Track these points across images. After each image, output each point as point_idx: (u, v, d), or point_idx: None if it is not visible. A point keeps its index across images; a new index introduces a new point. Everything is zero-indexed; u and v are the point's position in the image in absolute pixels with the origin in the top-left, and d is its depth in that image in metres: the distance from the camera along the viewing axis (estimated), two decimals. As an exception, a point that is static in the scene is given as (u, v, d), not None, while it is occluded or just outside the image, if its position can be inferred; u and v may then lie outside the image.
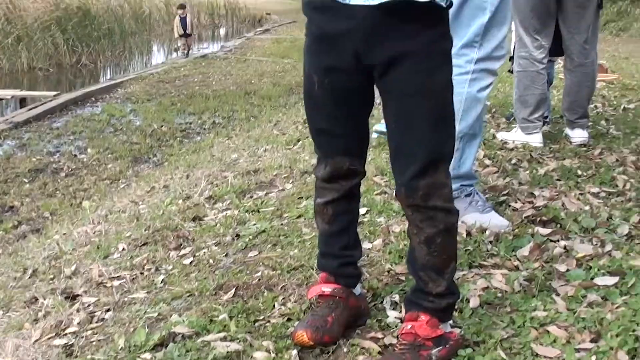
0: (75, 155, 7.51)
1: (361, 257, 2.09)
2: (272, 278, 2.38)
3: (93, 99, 11.12)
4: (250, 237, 2.87)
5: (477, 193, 2.91)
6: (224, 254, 2.74)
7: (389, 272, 2.35)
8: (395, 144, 1.81)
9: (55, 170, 6.93)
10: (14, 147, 8.02)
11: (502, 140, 4.49)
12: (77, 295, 2.56)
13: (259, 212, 3.25)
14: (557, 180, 3.47)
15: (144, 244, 3.10)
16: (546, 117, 4.86)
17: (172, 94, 11.24)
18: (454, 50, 2.86)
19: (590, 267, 2.29)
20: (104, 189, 6.02)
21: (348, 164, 1.91)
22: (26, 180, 6.59)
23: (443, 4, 1.73)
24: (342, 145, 1.90)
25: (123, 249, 3.09)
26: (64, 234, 3.88)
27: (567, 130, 4.57)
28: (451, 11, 2.87)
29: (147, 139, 8.05)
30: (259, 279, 2.40)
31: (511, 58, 4.72)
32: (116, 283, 2.61)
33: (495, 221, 2.78)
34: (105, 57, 18.76)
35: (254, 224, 3.03)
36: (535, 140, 4.40)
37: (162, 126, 8.75)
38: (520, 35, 4.51)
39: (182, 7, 18.13)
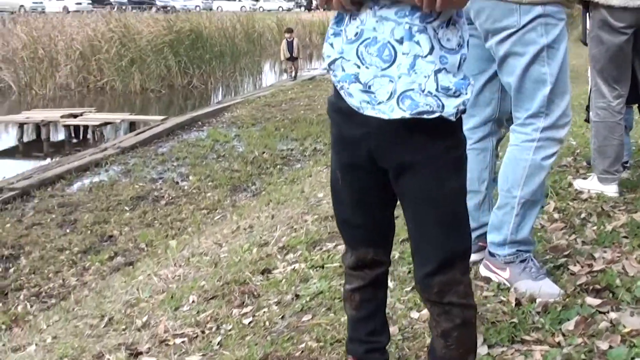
0: (177, 183, 7.60)
1: (388, 343, 2.07)
2: (313, 351, 2.35)
3: (200, 123, 11.26)
4: (308, 298, 2.85)
5: (532, 259, 2.90)
6: (281, 316, 2.72)
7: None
8: (413, 241, 1.90)
9: (156, 199, 7.01)
10: (119, 172, 8.19)
11: (577, 189, 4.34)
12: (140, 354, 2.53)
13: (323, 267, 3.22)
14: (624, 237, 3.31)
15: (212, 297, 3.10)
16: (626, 162, 4.72)
17: (276, 118, 11.27)
18: (520, 121, 2.98)
19: (634, 345, 2.13)
20: (199, 220, 6.04)
21: (372, 255, 1.96)
22: (127, 209, 6.69)
23: (452, 118, 1.76)
24: (365, 237, 1.96)
25: (193, 301, 3.10)
26: (148, 274, 3.89)
27: None
28: (513, 85, 2.99)
29: (247, 167, 8.07)
30: (302, 351, 2.36)
31: (587, 107, 4.58)
32: (178, 341, 2.63)
33: (546, 289, 2.73)
34: (215, 78, 19.13)
35: (315, 283, 3.01)
36: (611, 190, 4.24)
37: (263, 152, 8.76)
38: (598, 85, 4.38)
39: (289, 31, 18.24)
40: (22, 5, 52.13)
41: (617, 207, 3.92)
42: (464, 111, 1.82)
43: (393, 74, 1.75)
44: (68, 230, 6.20)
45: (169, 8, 59.74)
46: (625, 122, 4.59)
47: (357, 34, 1.79)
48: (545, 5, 2.98)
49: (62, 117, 11.97)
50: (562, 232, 3.48)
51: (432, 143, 1.79)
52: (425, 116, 1.73)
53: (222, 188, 7.20)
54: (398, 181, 1.84)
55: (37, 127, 11.98)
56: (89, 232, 6.09)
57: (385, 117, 1.74)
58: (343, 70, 1.82)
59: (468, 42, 1.84)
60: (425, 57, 1.74)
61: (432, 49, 1.74)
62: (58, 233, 6.12)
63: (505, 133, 3.32)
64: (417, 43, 1.74)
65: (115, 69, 17.39)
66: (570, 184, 4.41)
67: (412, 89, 1.73)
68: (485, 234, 3.08)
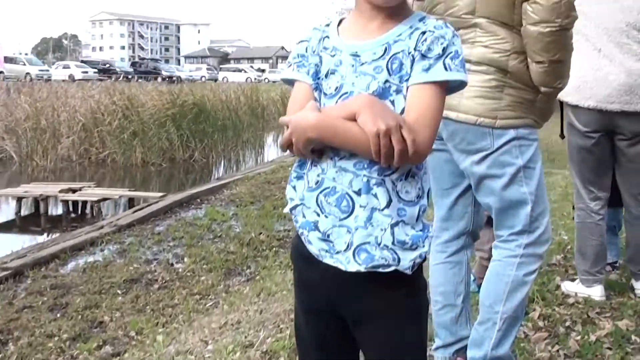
0: (172, 265, 7.53)
1: None
2: None
3: (198, 200, 11.24)
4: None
5: None
6: None
7: None
8: None
9: (150, 282, 6.93)
10: (114, 252, 8.13)
11: (564, 292, 4.35)
12: None
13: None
14: (608, 349, 3.34)
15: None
16: (615, 263, 4.72)
17: (275, 196, 11.24)
18: (502, 237, 3.04)
19: None
20: (191, 307, 5.95)
21: None
22: (120, 292, 6.60)
23: (408, 271, 1.80)
24: None
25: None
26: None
27: (633, 281, 4.40)
28: (494, 206, 3.10)
29: (243, 248, 8.01)
30: None
31: (573, 206, 4.61)
32: None
33: None
34: (217, 152, 19.22)
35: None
36: (596, 293, 4.26)
37: (260, 233, 8.71)
38: (576, 186, 4.43)
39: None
40: (28, 73, 52.88)
41: (602, 312, 3.92)
42: (422, 262, 1.84)
43: (351, 225, 1.79)
44: (58, 315, 6.10)
45: (174, 78, 60.82)
46: (614, 222, 4.59)
47: (317, 182, 1.84)
48: (517, 129, 3.09)
49: (60, 191, 11.99)
50: (545, 342, 3.54)
51: (389, 293, 1.83)
52: (380, 269, 1.78)
53: (217, 271, 7.13)
54: (357, 329, 1.87)
55: (36, 201, 11.99)
56: (79, 317, 5.99)
57: (343, 267, 1.79)
58: (304, 216, 1.87)
59: (429, 192, 1.87)
60: (382, 210, 1.78)
61: (389, 202, 1.78)
62: (48, 317, 6.03)
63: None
64: (375, 196, 1.78)
65: (117, 141, 17.50)
66: (558, 286, 4.38)
67: (369, 242, 1.78)
68: (464, 348, 3.15)
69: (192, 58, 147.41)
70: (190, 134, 18.35)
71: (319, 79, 1.90)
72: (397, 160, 1.70)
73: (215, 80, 64.99)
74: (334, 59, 1.88)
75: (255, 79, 75.77)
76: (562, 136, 4.51)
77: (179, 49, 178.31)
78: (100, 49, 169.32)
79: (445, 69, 1.77)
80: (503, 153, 3.07)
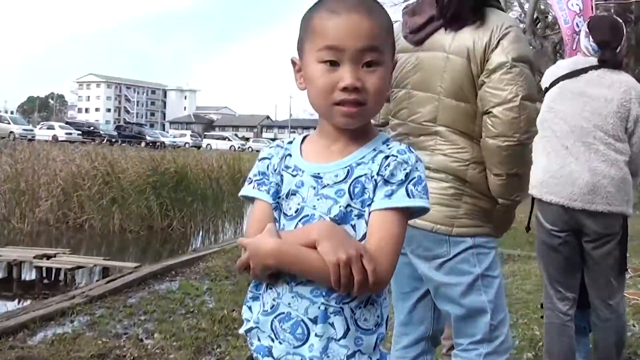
0: (142, 340, 7.41)
1: None
2: None
3: (173, 272, 11.15)
4: None
5: None
6: None
7: None
8: None
9: (118, 357, 6.82)
10: (84, 324, 8.00)
11: None
12: None
13: None
14: None
15: None
16: None
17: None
18: (462, 346, 3.08)
19: None
20: (158, 388, 5.87)
21: None
22: (86, 369, 6.51)
23: None
24: None
25: None
26: None
27: None
28: (452, 314, 3.12)
29: (215, 326, 7.91)
30: None
31: (541, 305, 4.64)
32: None
33: None
34: (196, 222, 19.12)
35: None
36: None
37: (233, 310, 8.61)
38: (545, 285, 4.46)
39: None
40: (12, 132, 52.90)
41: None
42: None
43: (305, 354, 1.78)
44: (22, 391, 6.00)
45: (158, 144, 60.92)
46: (584, 324, 4.58)
47: (273, 306, 1.82)
48: (474, 237, 3.11)
49: (35, 257, 11.86)
50: None
51: None
52: None
53: (186, 349, 7.03)
54: None
55: (9, 265, 11.87)
56: (42, 394, 5.89)
57: None
58: (259, 340, 1.86)
59: (387, 319, 1.85)
60: (338, 340, 1.76)
61: (346, 331, 1.76)
62: (11, 394, 5.92)
63: None
64: (332, 325, 1.76)
65: (96, 207, 17.42)
66: (530, 391, 4.35)
67: None
68: None
69: (178, 124, 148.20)
70: (169, 202, 18.28)
71: (279, 198, 1.89)
72: (357, 290, 1.69)
73: (199, 147, 65.23)
74: (295, 179, 1.88)
75: (239, 147, 76.13)
76: (527, 229, 4.57)
77: (164, 114, 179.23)
78: (86, 110, 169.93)
79: (408, 195, 1.78)
80: (460, 261, 3.08)
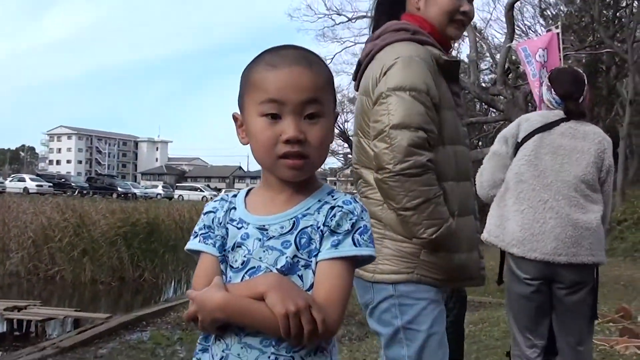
0: (112, 391, 7.47)
1: None
2: None
3: (144, 322, 11.17)
4: None
5: None
6: None
7: None
8: None
9: (87, 408, 6.87)
10: (54, 375, 8.04)
11: None
12: None
13: None
14: None
15: None
16: None
17: (222, 320, 11.21)
18: None
19: None
20: None
21: None
22: (56, 418, 6.53)
23: None
24: None
25: None
26: None
27: None
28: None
29: (186, 375, 7.98)
30: None
31: (507, 353, 4.66)
32: None
33: None
34: (167, 272, 19.09)
35: None
36: None
37: None
38: (513, 333, 4.44)
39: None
40: (-18, 185, 52.48)
41: None
42: None
43: None
44: None
45: (129, 195, 60.71)
46: None
47: (222, 358, 1.81)
48: (396, 285, 2.93)
49: (5, 309, 11.81)
50: None
51: None
52: None
53: (157, 400, 7.09)
54: None
55: (-21, 318, 11.81)
56: None
57: None
58: None
59: None
60: None
61: None
62: None
63: None
64: None
65: (67, 258, 17.38)
66: None
67: None
68: None
69: (149, 175, 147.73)
70: (140, 253, 18.27)
71: (225, 251, 1.88)
72: (306, 340, 1.70)
73: (171, 198, 65.07)
74: (240, 232, 1.87)
75: (211, 198, 75.73)
76: (499, 282, 4.54)
77: (136, 165, 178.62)
78: (57, 162, 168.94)
79: (355, 244, 1.79)
80: (383, 311, 2.95)
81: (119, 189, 69.35)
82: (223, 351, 1.81)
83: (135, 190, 70.72)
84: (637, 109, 29.05)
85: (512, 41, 22.00)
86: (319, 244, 1.81)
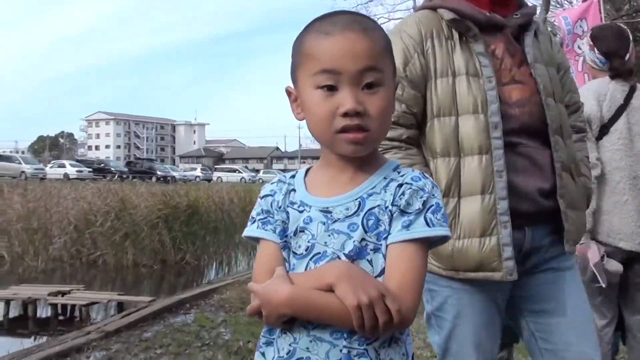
0: (158, 374, 7.41)
1: None
2: None
3: (187, 305, 11.14)
4: None
5: None
6: None
7: None
8: None
9: (135, 392, 6.82)
10: None
11: None
12: None
13: None
14: None
15: None
16: None
17: (265, 302, 11.14)
18: None
19: None
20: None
21: None
22: (103, 403, 6.49)
23: None
24: None
25: None
26: None
27: None
28: None
29: (231, 358, 7.89)
30: None
31: None
32: None
33: None
34: (209, 254, 19.11)
35: None
36: None
37: (249, 341, 8.59)
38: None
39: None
40: (23, 172, 53.12)
41: None
42: None
43: None
44: None
45: (169, 178, 61.11)
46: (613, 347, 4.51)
47: (289, 352, 1.71)
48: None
49: (49, 294, 11.87)
50: None
51: None
52: None
53: (204, 382, 7.02)
54: None
55: (24, 303, 11.88)
56: None
57: None
58: None
59: (412, 356, 1.76)
60: None
61: None
62: None
63: None
64: None
65: (109, 243, 17.43)
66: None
67: None
68: None
69: (188, 158, 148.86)
70: (182, 236, 18.28)
71: (286, 236, 1.77)
72: (381, 332, 1.60)
73: (209, 180, 65.40)
74: (302, 215, 1.76)
75: (249, 179, 76.24)
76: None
77: (174, 149, 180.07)
78: (96, 147, 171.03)
79: (427, 224, 1.67)
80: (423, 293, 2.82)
81: (158, 172, 69.83)
82: (290, 345, 1.70)
83: (174, 173, 71.20)
84: None
85: (547, 12, 21.56)
86: (388, 225, 1.69)
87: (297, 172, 1.89)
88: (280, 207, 1.80)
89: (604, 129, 4.12)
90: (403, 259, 1.65)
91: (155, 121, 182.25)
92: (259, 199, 1.87)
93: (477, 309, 2.79)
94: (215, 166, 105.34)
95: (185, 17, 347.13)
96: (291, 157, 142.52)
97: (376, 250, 1.68)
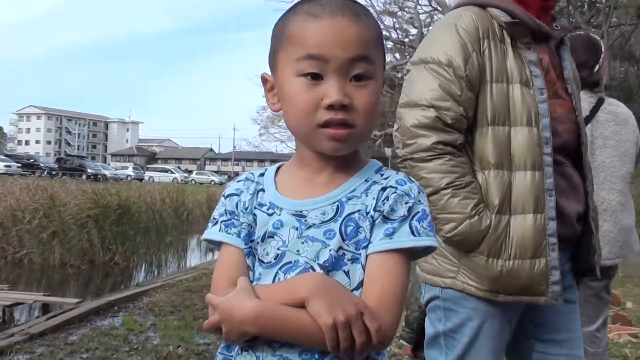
0: (83, 379, 7.20)
1: None
2: None
3: (116, 308, 10.89)
4: None
5: None
6: None
7: None
8: None
9: (58, 397, 6.60)
10: (23, 363, 7.75)
11: None
12: None
13: None
14: None
15: None
16: None
17: (197, 306, 10.97)
18: None
19: None
20: None
21: None
22: (25, 409, 6.26)
23: None
24: None
25: None
26: None
27: None
28: None
29: (160, 363, 7.73)
30: None
31: None
32: None
33: None
34: (139, 255, 18.78)
35: None
36: None
37: (179, 346, 8.42)
38: None
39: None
40: (-52, 166, 51.77)
41: None
42: None
43: None
44: None
45: (99, 176, 60.21)
46: None
47: None
48: (444, 289, 2.65)
49: (-29, 294, 11.51)
50: None
51: None
52: None
53: (131, 388, 6.83)
54: None
55: (-55, 302, 11.49)
56: None
57: None
58: None
59: None
60: None
61: None
62: None
63: None
64: None
65: (36, 241, 17.00)
66: None
67: None
68: None
69: (120, 156, 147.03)
70: (111, 235, 17.92)
71: (252, 241, 1.60)
72: (358, 353, 1.44)
73: (141, 179, 64.65)
74: (271, 219, 1.59)
75: (181, 180, 75.73)
76: None
77: (106, 146, 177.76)
78: (26, 142, 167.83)
79: (412, 233, 1.52)
80: (430, 309, 2.70)
81: (89, 170, 68.82)
82: None
83: (106, 172, 70.19)
84: (612, 94, 29.15)
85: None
86: (369, 232, 1.52)
87: (266, 169, 1.72)
88: (246, 209, 1.63)
89: None
90: (384, 272, 1.49)
91: (88, 118, 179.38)
92: (222, 198, 1.68)
93: (494, 333, 2.64)
94: (148, 166, 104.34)
95: (125, 13, 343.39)
96: (225, 158, 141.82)
97: (354, 260, 1.52)
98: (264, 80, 1.65)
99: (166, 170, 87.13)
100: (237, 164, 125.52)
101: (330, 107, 1.49)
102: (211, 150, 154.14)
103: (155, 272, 18.32)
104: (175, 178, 75.44)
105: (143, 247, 19.30)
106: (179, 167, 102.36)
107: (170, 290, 12.52)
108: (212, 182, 77.03)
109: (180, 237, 22.97)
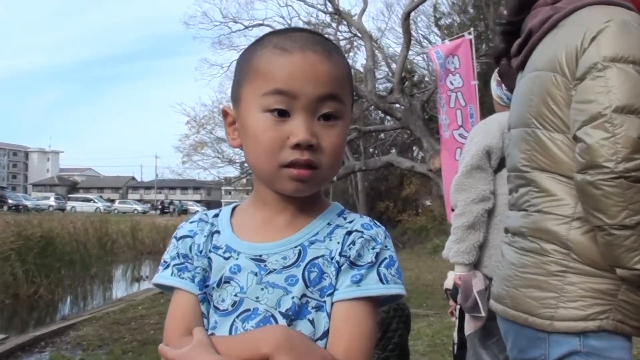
0: (11, 418, 7.04)
1: None
2: None
3: (43, 343, 10.67)
4: None
5: None
6: None
7: None
8: None
9: None
10: (-53, 403, 7.54)
11: None
12: None
13: None
14: None
15: None
16: None
17: (125, 339, 10.83)
18: None
19: None
20: None
21: None
22: None
23: None
24: None
25: None
26: None
27: None
28: None
29: (90, 400, 7.61)
30: None
31: None
32: None
33: None
34: (63, 287, 18.39)
35: None
36: None
37: (109, 382, 8.33)
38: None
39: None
40: None
41: None
42: None
43: None
44: None
45: (21, 207, 58.77)
46: None
47: None
48: (584, 336, 2.21)
49: None
50: None
51: None
52: None
53: None
54: None
55: None
56: None
57: None
58: None
59: None
60: None
61: None
62: None
63: None
64: None
65: (-43, 276, 16.54)
66: None
67: None
68: None
69: (41, 186, 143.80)
70: (35, 268, 17.49)
71: (207, 287, 1.50)
72: None
73: (64, 209, 63.53)
74: (228, 263, 1.49)
75: (104, 209, 74.71)
76: None
77: (26, 176, 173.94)
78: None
79: (381, 280, 1.44)
80: None
81: (10, 200, 66.99)
82: None
83: (27, 202, 68.41)
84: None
85: (408, 50, 22.21)
86: (334, 279, 1.44)
87: (220, 210, 1.62)
88: (201, 252, 1.53)
89: (503, 162, 3.89)
90: (352, 321, 1.42)
91: (7, 147, 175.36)
92: (173, 240, 1.58)
93: None
94: (69, 195, 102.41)
95: (43, 40, 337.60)
96: (147, 187, 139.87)
97: (319, 308, 1.44)
98: (225, 113, 1.57)
99: (88, 200, 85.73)
100: (160, 192, 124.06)
101: (297, 146, 1.42)
102: (133, 178, 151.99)
103: (81, 305, 17.97)
104: (98, 207, 74.32)
105: (68, 279, 18.93)
106: (101, 197, 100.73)
107: (97, 324, 12.31)
108: (135, 211, 76.19)
109: (105, 268, 22.62)
